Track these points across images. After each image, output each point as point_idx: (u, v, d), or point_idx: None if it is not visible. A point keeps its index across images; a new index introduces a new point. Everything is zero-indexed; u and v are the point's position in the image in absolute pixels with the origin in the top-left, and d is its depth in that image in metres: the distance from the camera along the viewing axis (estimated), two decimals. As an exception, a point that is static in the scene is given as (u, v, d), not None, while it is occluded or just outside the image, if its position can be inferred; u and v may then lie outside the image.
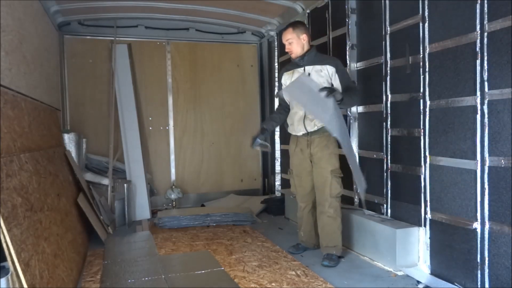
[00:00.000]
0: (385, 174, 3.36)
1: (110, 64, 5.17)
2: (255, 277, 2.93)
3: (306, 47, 3.30)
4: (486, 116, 2.43)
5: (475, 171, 2.49)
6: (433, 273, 2.86)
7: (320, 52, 3.45)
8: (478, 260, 2.48)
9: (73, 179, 3.93)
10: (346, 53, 3.80)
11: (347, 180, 3.48)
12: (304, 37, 3.29)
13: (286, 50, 3.36)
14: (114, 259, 3.30)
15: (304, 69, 3.28)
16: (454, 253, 2.68)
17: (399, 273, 2.99)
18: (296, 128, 3.33)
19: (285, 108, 3.50)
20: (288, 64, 3.52)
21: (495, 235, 2.39)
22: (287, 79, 3.40)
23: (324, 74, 3.22)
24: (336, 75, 3.21)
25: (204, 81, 5.71)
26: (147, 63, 5.44)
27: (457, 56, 2.63)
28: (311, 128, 3.25)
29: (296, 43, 3.28)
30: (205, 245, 3.74)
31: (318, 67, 3.24)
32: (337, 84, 3.21)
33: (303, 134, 3.31)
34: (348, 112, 3.78)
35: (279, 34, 5.35)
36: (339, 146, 3.20)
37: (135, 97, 5.18)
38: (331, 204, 3.22)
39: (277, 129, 5.42)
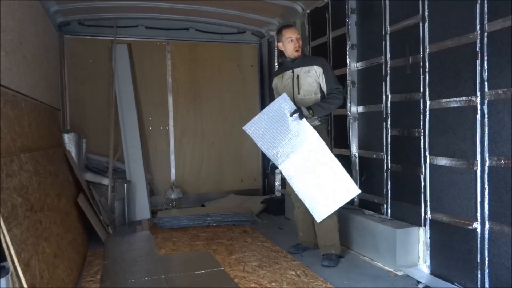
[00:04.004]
0: (385, 174, 3.36)
1: (110, 64, 5.16)
2: (255, 277, 2.93)
3: None
4: (486, 116, 2.42)
5: (475, 171, 2.49)
6: (433, 273, 2.86)
7: (313, 54, 3.51)
8: (478, 260, 2.48)
9: (73, 179, 3.93)
10: (346, 53, 3.80)
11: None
12: (300, 37, 3.41)
13: (294, 47, 3.31)
14: (114, 259, 3.30)
15: (293, 71, 3.34)
16: (454, 253, 2.68)
17: (399, 273, 2.98)
18: None
19: None
20: (278, 68, 3.56)
21: (495, 235, 2.39)
22: (277, 83, 3.47)
23: (312, 74, 3.29)
24: (323, 75, 3.28)
25: (204, 81, 5.70)
26: (147, 63, 5.44)
27: (457, 56, 2.63)
28: None
29: (301, 42, 3.38)
30: (205, 245, 3.74)
31: (306, 68, 3.30)
32: (323, 84, 3.29)
33: None
34: (348, 112, 3.78)
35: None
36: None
37: (135, 97, 5.18)
38: None
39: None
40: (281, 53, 3.57)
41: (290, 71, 3.36)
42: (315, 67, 3.28)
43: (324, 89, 3.29)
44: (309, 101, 3.26)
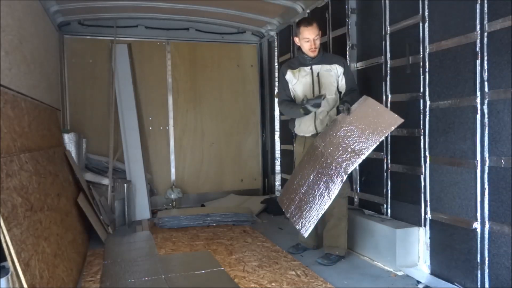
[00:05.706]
0: (385, 174, 3.36)
1: (110, 64, 5.17)
2: (255, 277, 2.93)
3: None
4: (486, 116, 2.42)
5: (475, 171, 2.49)
6: (433, 273, 2.86)
7: (326, 51, 3.42)
8: (478, 260, 2.48)
9: (73, 179, 3.93)
10: (346, 53, 3.80)
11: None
12: (320, 34, 3.26)
13: (310, 47, 3.17)
14: (114, 259, 3.30)
15: (312, 68, 3.25)
16: (454, 253, 2.68)
17: (399, 273, 2.98)
18: (305, 129, 3.30)
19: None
20: (293, 61, 3.40)
21: (495, 235, 2.39)
22: (292, 77, 3.31)
23: (333, 74, 3.21)
24: (343, 76, 3.21)
25: (204, 81, 5.70)
26: (147, 63, 5.44)
27: (457, 56, 2.63)
28: (321, 128, 3.23)
29: (320, 40, 3.23)
30: (205, 245, 3.74)
31: (327, 66, 3.22)
32: (342, 84, 3.23)
33: (312, 135, 3.29)
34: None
35: (279, 34, 5.35)
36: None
37: (135, 97, 5.18)
38: (337, 205, 3.19)
39: (277, 128, 5.43)
40: (298, 47, 3.33)
41: (308, 67, 3.24)
42: (337, 66, 3.20)
43: (342, 89, 3.21)
44: (330, 101, 3.20)
